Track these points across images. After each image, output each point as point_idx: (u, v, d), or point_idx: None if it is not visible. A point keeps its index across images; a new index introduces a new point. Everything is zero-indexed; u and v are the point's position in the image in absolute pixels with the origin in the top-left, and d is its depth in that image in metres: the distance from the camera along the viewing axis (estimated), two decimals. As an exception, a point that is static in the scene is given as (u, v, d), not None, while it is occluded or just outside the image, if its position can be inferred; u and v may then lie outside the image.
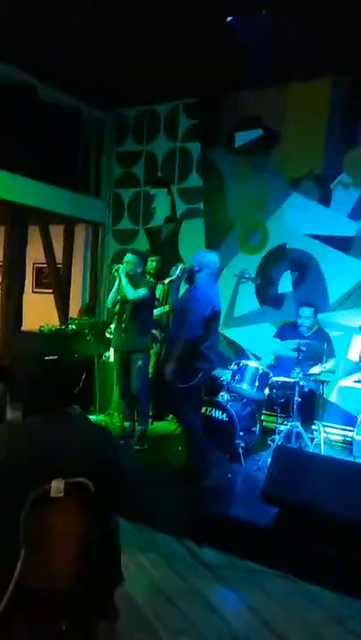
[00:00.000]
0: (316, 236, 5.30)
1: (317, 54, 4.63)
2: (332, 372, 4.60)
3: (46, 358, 1.94)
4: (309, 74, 5.13)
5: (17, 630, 1.55)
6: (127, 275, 4.45)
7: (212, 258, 3.92)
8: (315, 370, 4.47)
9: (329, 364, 4.52)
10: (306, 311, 4.72)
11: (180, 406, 3.90)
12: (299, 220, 5.40)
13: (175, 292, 4.17)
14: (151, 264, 5.28)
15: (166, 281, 4.35)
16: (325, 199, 5.27)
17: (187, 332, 3.64)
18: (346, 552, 2.90)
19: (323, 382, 4.55)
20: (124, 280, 4.43)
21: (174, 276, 3.99)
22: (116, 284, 4.55)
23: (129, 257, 4.56)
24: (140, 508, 3.23)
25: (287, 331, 4.91)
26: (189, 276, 3.87)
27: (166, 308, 5.28)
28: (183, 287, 4.40)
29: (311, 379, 4.45)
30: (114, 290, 4.59)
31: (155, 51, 4.83)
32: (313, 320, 4.71)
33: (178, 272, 3.95)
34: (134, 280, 4.47)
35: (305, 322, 4.70)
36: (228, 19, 4.24)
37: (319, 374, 4.46)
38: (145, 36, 4.63)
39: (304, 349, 4.23)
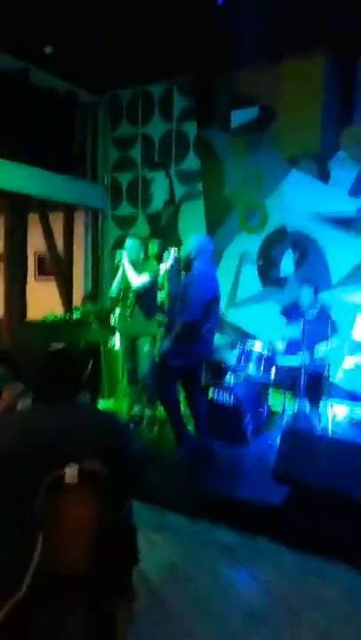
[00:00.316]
0: (316, 215, 5.26)
1: (310, 30, 4.55)
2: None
3: (52, 347, 1.95)
4: (303, 50, 5.04)
5: (36, 615, 1.58)
6: (130, 262, 4.44)
7: (207, 242, 3.94)
8: (320, 350, 4.46)
9: (334, 343, 4.52)
10: (305, 290, 4.71)
11: (165, 383, 3.93)
12: (298, 198, 5.36)
13: (172, 278, 4.16)
14: (153, 248, 5.26)
15: (162, 270, 4.33)
16: (324, 176, 5.23)
17: (187, 317, 3.66)
18: (357, 529, 2.94)
19: (328, 364, 4.56)
20: (128, 267, 4.42)
21: (167, 262, 4.00)
22: (120, 271, 4.54)
23: (129, 243, 4.55)
24: (153, 490, 3.28)
25: (290, 311, 4.91)
26: (186, 263, 3.86)
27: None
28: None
29: (317, 362, 4.45)
30: (118, 278, 4.58)
31: (147, 30, 4.75)
32: (312, 298, 4.69)
33: (171, 259, 3.97)
34: (137, 266, 4.46)
35: (305, 301, 4.69)
36: (219, 1, 4.15)
37: (325, 355, 4.46)
38: (137, 17, 4.55)
39: (308, 329, 4.22)
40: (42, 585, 1.55)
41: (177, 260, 3.97)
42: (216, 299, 3.88)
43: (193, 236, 4.11)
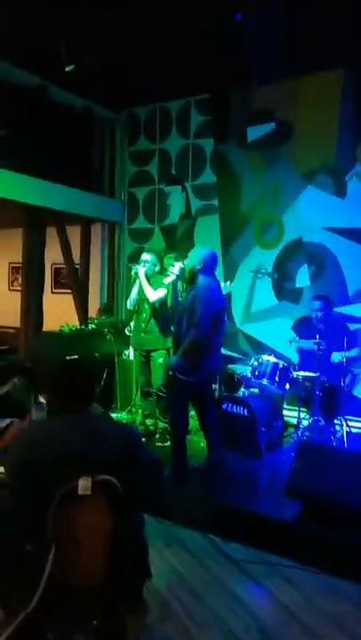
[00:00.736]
0: (332, 229, 5.26)
1: (326, 44, 4.59)
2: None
3: (68, 358, 1.98)
4: (320, 66, 5.09)
5: (50, 624, 1.59)
6: (145, 275, 4.48)
7: (212, 255, 3.86)
8: (336, 363, 4.44)
9: (349, 356, 4.49)
10: (316, 304, 4.68)
11: (176, 401, 3.85)
12: (314, 213, 5.37)
13: (175, 291, 4.10)
14: (169, 261, 5.30)
15: (167, 282, 4.29)
16: (341, 191, 5.23)
17: (197, 332, 3.60)
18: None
19: (344, 375, 4.53)
20: (144, 282, 4.46)
21: (171, 275, 3.98)
22: (137, 285, 4.57)
23: (145, 257, 4.59)
24: (166, 505, 3.27)
25: (302, 326, 4.90)
26: (191, 276, 3.81)
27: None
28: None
29: (332, 375, 4.41)
30: (135, 292, 4.61)
31: (165, 47, 4.84)
32: (324, 312, 4.65)
33: (176, 271, 3.95)
34: (153, 280, 4.50)
35: (317, 314, 4.66)
36: (238, 16, 4.22)
37: (340, 368, 4.44)
38: (154, 34, 4.64)
39: (323, 345, 4.21)
40: (53, 598, 1.55)
41: (182, 271, 3.95)
42: (223, 310, 3.86)
43: (197, 248, 4.07)
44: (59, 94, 5.90)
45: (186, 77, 5.46)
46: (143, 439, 4.44)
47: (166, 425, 4.66)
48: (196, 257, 3.81)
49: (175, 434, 3.85)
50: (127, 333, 5.16)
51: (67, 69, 5.10)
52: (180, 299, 4.10)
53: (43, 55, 5.02)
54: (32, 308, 5.88)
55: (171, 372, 3.77)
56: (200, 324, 3.59)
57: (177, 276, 3.97)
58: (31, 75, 5.56)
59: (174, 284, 4.06)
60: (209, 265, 3.80)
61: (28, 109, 5.55)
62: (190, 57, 4.92)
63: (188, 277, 3.87)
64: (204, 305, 3.62)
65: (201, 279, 3.75)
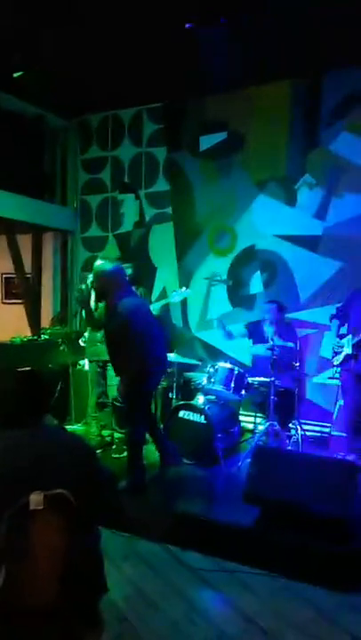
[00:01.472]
0: (283, 237, 5.37)
1: (276, 57, 4.71)
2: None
3: (19, 370, 1.91)
4: (272, 76, 5.20)
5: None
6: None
7: (119, 269, 3.62)
8: (289, 368, 4.52)
9: (302, 362, 4.60)
10: (267, 307, 4.83)
11: (134, 414, 3.77)
12: (266, 221, 5.47)
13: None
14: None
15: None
16: (291, 200, 5.36)
17: (133, 365, 3.51)
18: (329, 548, 2.93)
19: (298, 380, 4.62)
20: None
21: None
22: (93, 296, 4.46)
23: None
24: (121, 517, 3.21)
25: (255, 332, 4.98)
26: (101, 296, 3.64)
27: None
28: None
29: (286, 380, 4.49)
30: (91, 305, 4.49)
31: (117, 56, 4.83)
32: (275, 315, 4.75)
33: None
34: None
35: (268, 317, 4.79)
36: (187, 25, 4.27)
37: (293, 373, 4.53)
38: (107, 42, 4.63)
39: (278, 352, 4.27)
40: (6, 617, 1.49)
41: (86, 292, 3.73)
42: (152, 322, 3.67)
43: (102, 263, 3.63)
44: (9, 102, 5.78)
45: (139, 86, 5.47)
46: (99, 451, 4.37)
47: (122, 435, 4.60)
48: (103, 274, 3.53)
49: (138, 443, 3.78)
50: (82, 344, 5.07)
51: (15, 75, 5.02)
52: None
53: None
54: (-18, 319, 5.70)
55: (119, 403, 3.68)
56: (133, 358, 3.45)
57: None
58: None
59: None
60: (124, 281, 3.57)
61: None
62: (143, 66, 4.93)
63: (97, 298, 3.69)
64: (130, 333, 3.42)
65: (122, 303, 3.48)
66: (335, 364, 4.26)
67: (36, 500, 1.50)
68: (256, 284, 5.55)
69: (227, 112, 5.65)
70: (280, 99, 5.36)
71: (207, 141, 5.79)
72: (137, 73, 5.04)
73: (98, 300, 3.71)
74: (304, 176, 5.27)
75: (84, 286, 3.84)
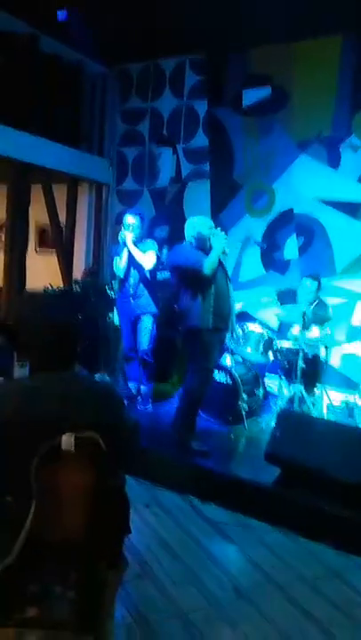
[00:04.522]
0: (324, 201, 5.21)
1: (327, 9, 4.45)
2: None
3: (51, 318, 1.93)
4: (320, 30, 4.92)
5: (26, 580, 1.59)
6: (134, 243, 4.39)
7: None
8: (314, 332, 4.46)
9: (328, 330, 4.53)
10: (309, 283, 4.60)
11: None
12: (306, 184, 5.29)
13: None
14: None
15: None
16: (334, 162, 5.16)
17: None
18: (344, 511, 2.97)
19: (325, 347, 4.57)
20: (133, 249, 4.38)
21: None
22: (125, 252, 4.46)
23: (130, 219, 4.45)
24: (145, 466, 3.30)
25: (288, 299, 4.89)
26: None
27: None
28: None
29: (312, 343, 4.45)
30: (124, 260, 4.46)
31: (161, 3, 4.64)
32: (315, 295, 4.59)
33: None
34: (140, 246, 4.43)
35: (306, 295, 4.58)
36: None
37: (321, 338, 4.47)
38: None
39: (310, 316, 4.22)
40: (33, 551, 1.55)
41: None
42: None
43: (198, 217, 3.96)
44: (49, 45, 5.64)
45: (182, 34, 5.25)
46: (125, 401, 4.45)
47: (148, 389, 4.68)
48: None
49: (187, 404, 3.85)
50: (111, 295, 5.09)
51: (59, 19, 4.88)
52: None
53: (35, 1, 4.78)
54: (15, 267, 5.75)
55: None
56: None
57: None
58: (21, 22, 5.29)
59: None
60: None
61: (16, 59, 5.30)
62: (187, 12, 4.72)
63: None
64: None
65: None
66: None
67: (67, 441, 1.54)
68: (291, 248, 5.44)
69: (272, 67, 5.41)
70: (329, 54, 5.08)
71: (250, 96, 5.58)
72: (180, 20, 4.83)
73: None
74: (350, 137, 5.06)
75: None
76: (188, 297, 3.73)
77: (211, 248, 3.74)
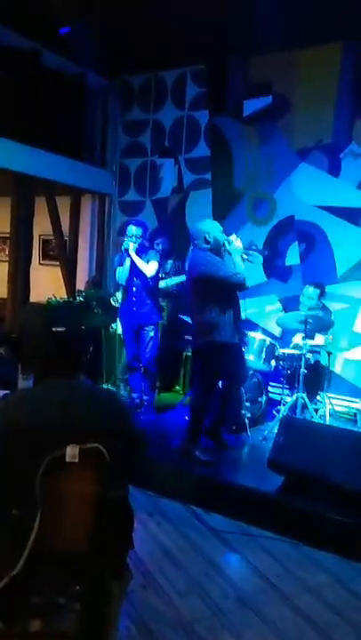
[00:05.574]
0: (324, 207, 5.24)
1: (327, 17, 4.49)
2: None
3: (54, 329, 1.95)
4: (319, 37, 4.96)
5: (34, 589, 1.61)
6: (136, 251, 4.43)
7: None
8: (318, 340, 4.48)
9: (331, 337, 4.54)
10: (310, 291, 4.63)
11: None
12: (307, 191, 5.33)
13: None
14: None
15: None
16: (335, 169, 5.19)
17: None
18: (348, 518, 2.97)
19: (328, 354, 4.58)
20: (136, 258, 4.41)
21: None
22: (127, 261, 4.50)
23: (133, 230, 4.50)
24: (149, 476, 3.31)
25: (290, 305, 4.91)
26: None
27: (175, 280, 5.28)
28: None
29: (315, 349, 4.47)
30: (126, 267, 4.51)
31: (161, 15, 4.70)
32: (316, 302, 4.61)
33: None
34: (143, 255, 4.47)
35: (308, 302, 4.60)
36: None
37: (324, 345, 4.49)
38: (151, 1, 4.51)
39: (311, 322, 4.24)
40: (37, 563, 1.57)
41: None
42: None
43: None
44: (52, 60, 5.72)
45: (182, 45, 5.32)
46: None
47: (151, 399, 4.69)
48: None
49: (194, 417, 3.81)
50: (114, 304, 5.12)
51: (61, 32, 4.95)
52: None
53: (37, 17, 4.85)
54: (19, 278, 5.80)
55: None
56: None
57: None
58: (23, 38, 5.37)
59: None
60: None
61: (20, 74, 5.38)
62: (187, 24, 4.78)
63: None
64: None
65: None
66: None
67: (71, 452, 1.56)
68: (293, 255, 5.46)
69: (273, 75, 5.45)
70: (330, 63, 5.13)
71: (251, 106, 5.63)
72: (180, 31, 4.88)
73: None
74: (350, 145, 5.09)
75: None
76: (216, 310, 3.58)
77: (225, 253, 3.65)
